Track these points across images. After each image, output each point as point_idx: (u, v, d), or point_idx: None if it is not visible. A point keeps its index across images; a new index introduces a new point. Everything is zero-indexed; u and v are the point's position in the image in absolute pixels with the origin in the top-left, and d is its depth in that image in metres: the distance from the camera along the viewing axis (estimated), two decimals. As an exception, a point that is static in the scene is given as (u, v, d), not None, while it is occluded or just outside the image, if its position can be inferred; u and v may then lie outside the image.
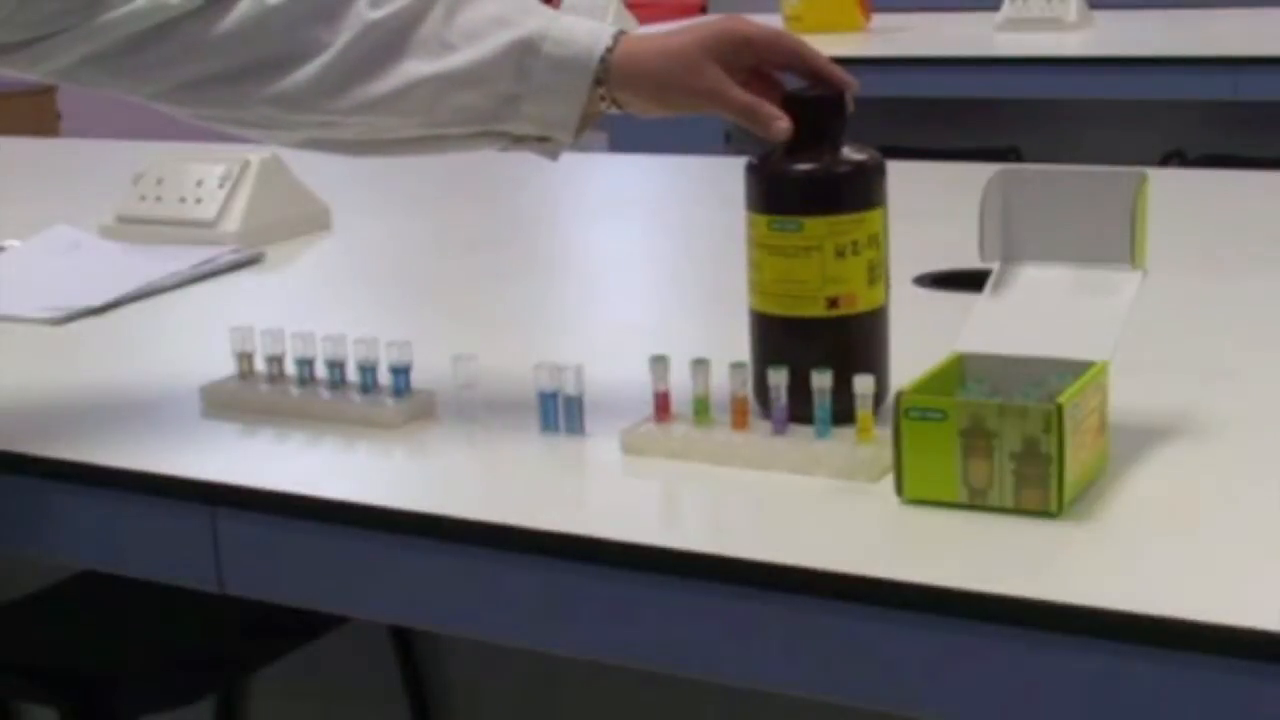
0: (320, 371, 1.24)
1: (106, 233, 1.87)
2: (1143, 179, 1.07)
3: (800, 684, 0.95)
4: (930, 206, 1.81)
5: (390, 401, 1.20)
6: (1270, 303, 1.48)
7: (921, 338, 1.15)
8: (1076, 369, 1.02)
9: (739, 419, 1.10)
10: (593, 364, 1.17)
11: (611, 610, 0.99)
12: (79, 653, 1.60)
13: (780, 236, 1.12)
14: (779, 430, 1.08)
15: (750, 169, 1.14)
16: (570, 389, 1.15)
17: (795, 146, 1.12)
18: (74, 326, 1.54)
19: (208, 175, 1.86)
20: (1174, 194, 1.77)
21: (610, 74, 1.16)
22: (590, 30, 1.17)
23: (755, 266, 1.14)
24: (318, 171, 2.04)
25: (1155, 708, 0.84)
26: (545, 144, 1.22)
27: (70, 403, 1.31)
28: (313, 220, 1.92)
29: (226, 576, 1.11)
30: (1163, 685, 0.84)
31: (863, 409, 1.05)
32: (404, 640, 1.80)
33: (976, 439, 0.97)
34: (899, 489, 1.00)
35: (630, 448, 1.11)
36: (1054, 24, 3.80)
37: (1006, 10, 3.88)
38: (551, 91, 1.17)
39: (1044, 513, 0.96)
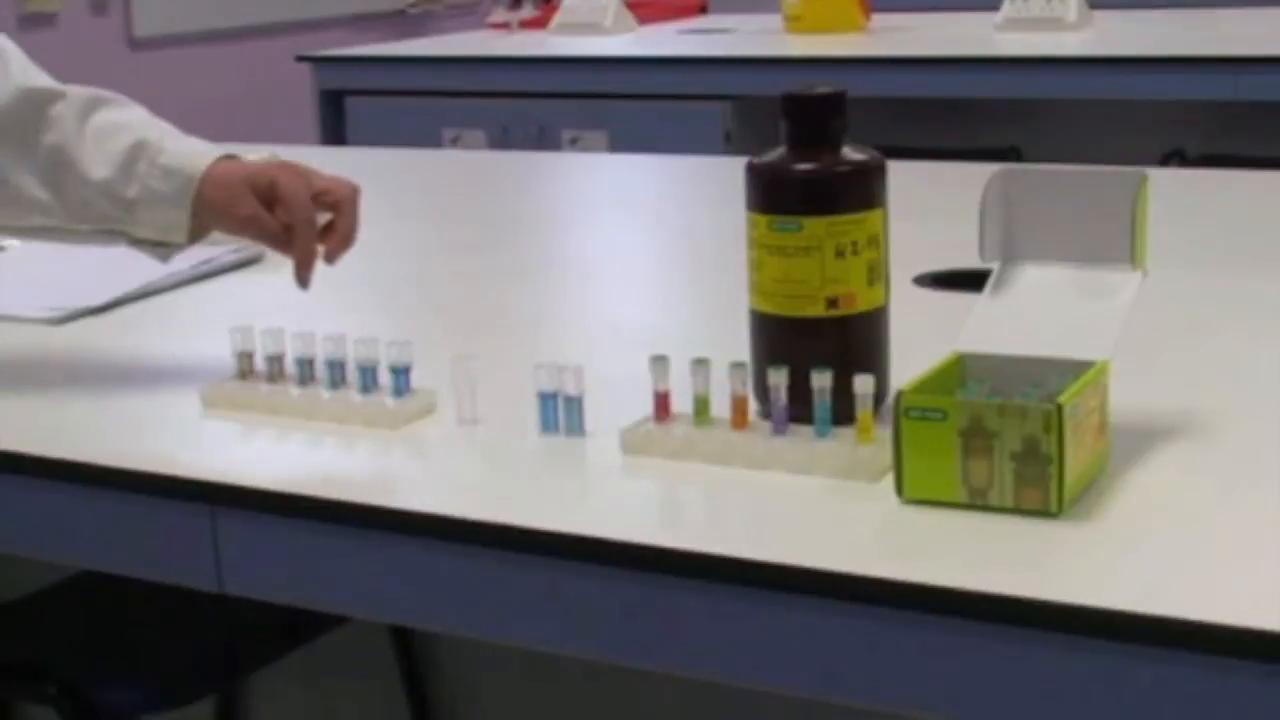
0: (320, 371, 1.24)
1: (106, 233, 1.87)
2: (1143, 179, 1.07)
3: (800, 684, 0.95)
4: (930, 206, 1.81)
5: (390, 401, 1.20)
6: (1270, 302, 1.48)
7: (921, 338, 1.15)
8: (1076, 369, 1.02)
9: (739, 419, 1.10)
10: (593, 364, 1.17)
11: (611, 610, 0.99)
12: (80, 653, 1.60)
13: (780, 236, 1.12)
14: (779, 430, 1.08)
15: (750, 169, 1.14)
16: (570, 389, 1.15)
17: (795, 146, 1.12)
18: (74, 326, 1.54)
19: (208, 175, 1.86)
20: (1174, 194, 1.77)
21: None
22: (197, 149, 1.31)
23: (755, 266, 1.14)
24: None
25: (1155, 707, 0.84)
26: (161, 248, 1.34)
27: (70, 403, 1.31)
28: (313, 220, 1.91)
29: (226, 576, 1.11)
30: (1162, 685, 0.84)
31: (863, 409, 1.05)
32: (404, 640, 1.80)
33: (976, 439, 0.97)
34: (899, 489, 1.00)
35: (630, 448, 1.11)
36: (1054, 24, 3.80)
37: (1006, 10, 3.88)
38: (161, 198, 1.28)
39: (1044, 513, 0.96)
